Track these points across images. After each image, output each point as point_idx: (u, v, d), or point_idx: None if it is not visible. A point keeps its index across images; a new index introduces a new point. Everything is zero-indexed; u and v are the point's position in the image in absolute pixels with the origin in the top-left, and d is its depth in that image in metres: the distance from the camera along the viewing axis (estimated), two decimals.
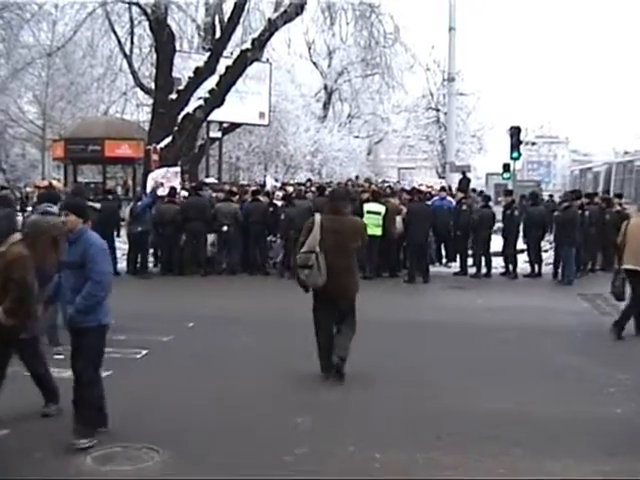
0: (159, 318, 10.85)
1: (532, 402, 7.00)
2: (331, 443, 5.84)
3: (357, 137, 44.31)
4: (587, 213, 16.67)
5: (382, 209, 15.57)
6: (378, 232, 15.25)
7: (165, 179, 17.51)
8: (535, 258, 16.60)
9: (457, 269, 16.97)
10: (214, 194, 17.63)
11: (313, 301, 7.80)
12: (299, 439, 5.93)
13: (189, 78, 20.60)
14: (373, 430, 6.19)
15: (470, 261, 16.92)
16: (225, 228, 16.02)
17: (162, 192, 16.54)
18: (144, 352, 8.88)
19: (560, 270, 15.79)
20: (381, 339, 9.80)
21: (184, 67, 21.33)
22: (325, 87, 42.92)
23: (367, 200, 15.89)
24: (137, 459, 5.49)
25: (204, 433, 6.11)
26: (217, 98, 20.73)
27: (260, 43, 21.00)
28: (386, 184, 24.41)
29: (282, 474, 5.31)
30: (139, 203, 15.88)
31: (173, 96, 20.44)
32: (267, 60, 26.57)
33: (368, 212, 15.21)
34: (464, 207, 17.10)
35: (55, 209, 8.40)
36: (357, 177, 27.16)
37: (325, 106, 43.24)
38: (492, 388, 7.52)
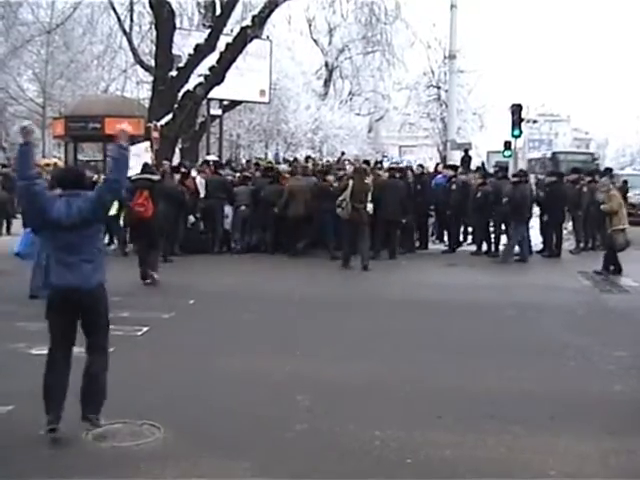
0: (160, 295, 10.87)
1: (532, 380, 7.01)
2: (331, 421, 5.86)
3: (358, 114, 44.09)
4: (585, 189, 16.65)
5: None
6: None
7: (135, 156, 17.15)
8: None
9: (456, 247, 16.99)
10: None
11: (345, 224, 13.98)
12: (299, 417, 5.95)
13: (189, 55, 20.44)
14: (372, 409, 6.20)
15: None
16: (243, 208, 16.30)
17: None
18: (145, 329, 8.90)
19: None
20: (376, 318, 9.82)
21: (184, 44, 21.12)
22: (326, 64, 42.66)
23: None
24: (138, 435, 5.51)
25: (205, 409, 6.13)
26: (217, 75, 20.60)
27: (260, 20, 20.81)
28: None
29: (283, 450, 5.34)
30: None
31: (173, 73, 20.29)
32: (267, 37, 26.33)
33: None
34: (453, 186, 17.01)
35: None
36: (343, 153, 27.18)
37: (326, 83, 43.01)
38: (491, 366, 7.54)
